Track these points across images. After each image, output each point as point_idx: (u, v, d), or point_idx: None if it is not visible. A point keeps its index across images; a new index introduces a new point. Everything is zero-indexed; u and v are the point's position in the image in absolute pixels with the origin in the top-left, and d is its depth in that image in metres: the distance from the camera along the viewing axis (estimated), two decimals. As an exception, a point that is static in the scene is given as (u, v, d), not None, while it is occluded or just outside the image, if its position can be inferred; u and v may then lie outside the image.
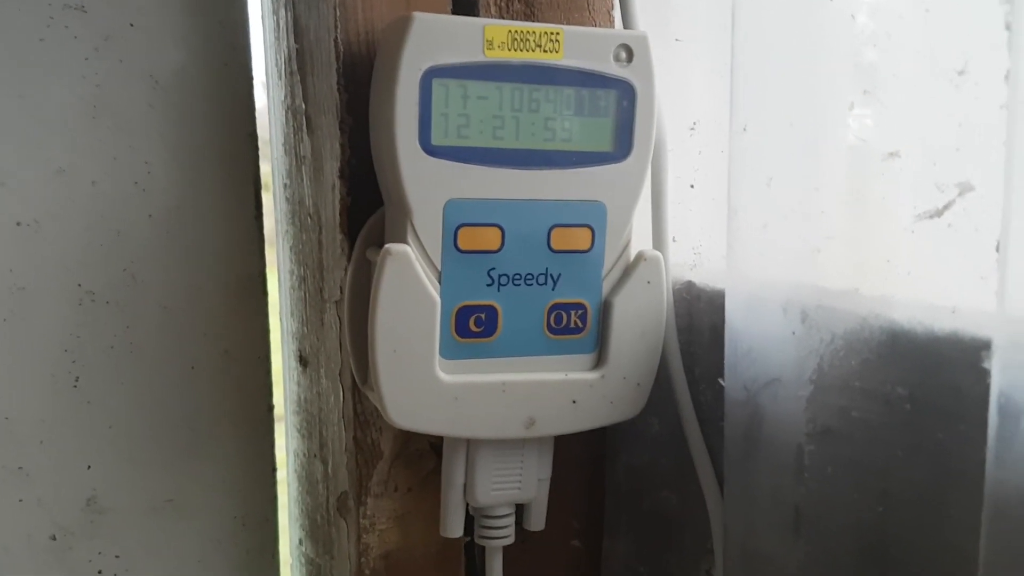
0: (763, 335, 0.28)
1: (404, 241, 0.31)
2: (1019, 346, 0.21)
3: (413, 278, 0.31)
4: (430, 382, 0.32)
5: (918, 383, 0.26)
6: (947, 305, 0.26)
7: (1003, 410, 0.22)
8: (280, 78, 0.39)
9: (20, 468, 0.38)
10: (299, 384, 0.43)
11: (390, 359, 0.31)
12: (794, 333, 0.27)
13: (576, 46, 0.31)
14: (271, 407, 0.43)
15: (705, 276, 0.35)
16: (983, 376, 0.23)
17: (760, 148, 0.28)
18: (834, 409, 0.27)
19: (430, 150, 0.31)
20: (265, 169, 0.43)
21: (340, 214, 0.35)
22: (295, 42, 0.37)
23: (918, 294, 0.26)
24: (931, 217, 0.25)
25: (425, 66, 0.30)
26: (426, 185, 0.31)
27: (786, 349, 0.28)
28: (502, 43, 0.31)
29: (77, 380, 0.39)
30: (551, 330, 0.33)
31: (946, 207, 0.25)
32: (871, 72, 0.26)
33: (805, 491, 0.28)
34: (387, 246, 0.31)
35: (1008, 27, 0.21)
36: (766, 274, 0.28)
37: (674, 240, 0.36)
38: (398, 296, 0.31)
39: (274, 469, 0.44)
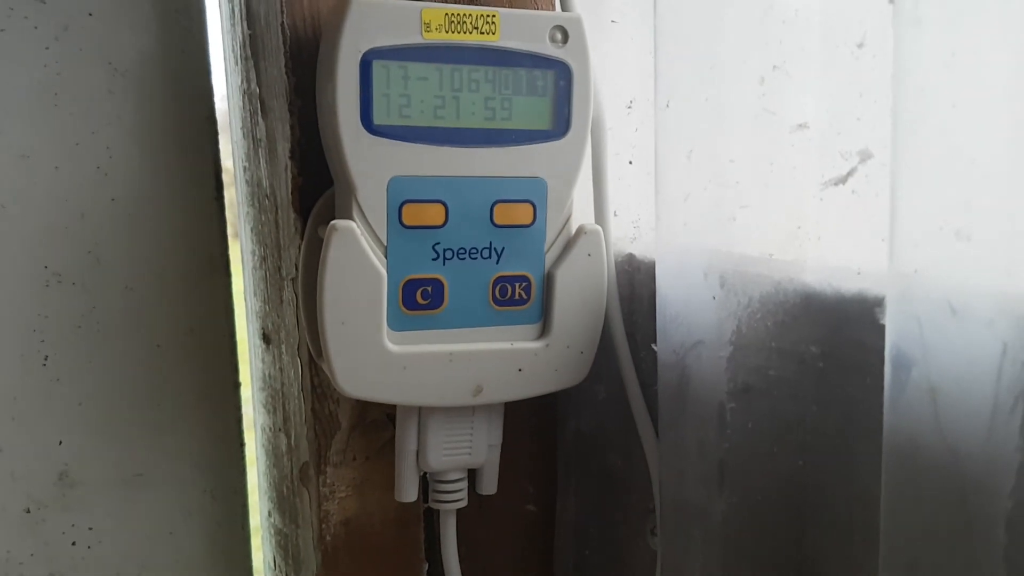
0: (688, 300, 0.30)
1: (350, 218, 0.32)
2: (907, 299, 0.23)
3: (359, 252, 0.32)
4: (379, 352, 0.33)
5: (828, 341, 0.28)
6: (853, 267, 0.27)
7: (895, 360, 0.24)
8: (236, 63, 0.41)
9: (-7, 444, 0.40)
10: (263, 361, 0.44)
11: (339, 331, 0.33)
12: (714, 298, 0.29)
13: (512, 28, 0.33)
14: (237, 384, 0.45)
15: (644, 248, 0.37)
16: (881, 331, 0.25)
17: (681, 123, 0.29)
18: (752, 368, 0.29)
19: (372, 129, 0.32)
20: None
21: (292, 193, 0.36)
22: (248, 28, 0.38)
23: (827, 258, 0.28)
24: (836, 184, 0.27)
25: (364, 48, 0.31)
26: (369, 163, 0.32)
27: (708, 313, 0.29)
28: (439, 25, 0.32)
29: (46, 359, 0.40)
30: (496, 302, 0.35)
31: (850, 174, 0.27)
32: (780, 47, 0.27)
33: (728, 446, 0.29)
34: (333, 222, 0.32)
35: (892, 1, 0.22)
36: (689, 243, 0.30)
37: (615, 214, 0.37)
38: (344, 270, 0.32)
39: (242, 444, 0.46)
